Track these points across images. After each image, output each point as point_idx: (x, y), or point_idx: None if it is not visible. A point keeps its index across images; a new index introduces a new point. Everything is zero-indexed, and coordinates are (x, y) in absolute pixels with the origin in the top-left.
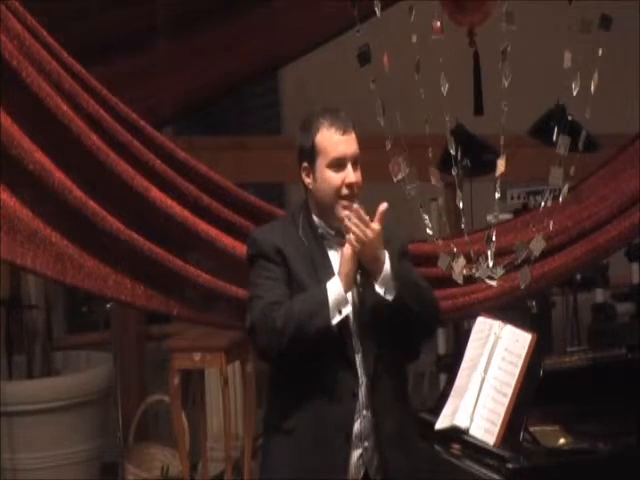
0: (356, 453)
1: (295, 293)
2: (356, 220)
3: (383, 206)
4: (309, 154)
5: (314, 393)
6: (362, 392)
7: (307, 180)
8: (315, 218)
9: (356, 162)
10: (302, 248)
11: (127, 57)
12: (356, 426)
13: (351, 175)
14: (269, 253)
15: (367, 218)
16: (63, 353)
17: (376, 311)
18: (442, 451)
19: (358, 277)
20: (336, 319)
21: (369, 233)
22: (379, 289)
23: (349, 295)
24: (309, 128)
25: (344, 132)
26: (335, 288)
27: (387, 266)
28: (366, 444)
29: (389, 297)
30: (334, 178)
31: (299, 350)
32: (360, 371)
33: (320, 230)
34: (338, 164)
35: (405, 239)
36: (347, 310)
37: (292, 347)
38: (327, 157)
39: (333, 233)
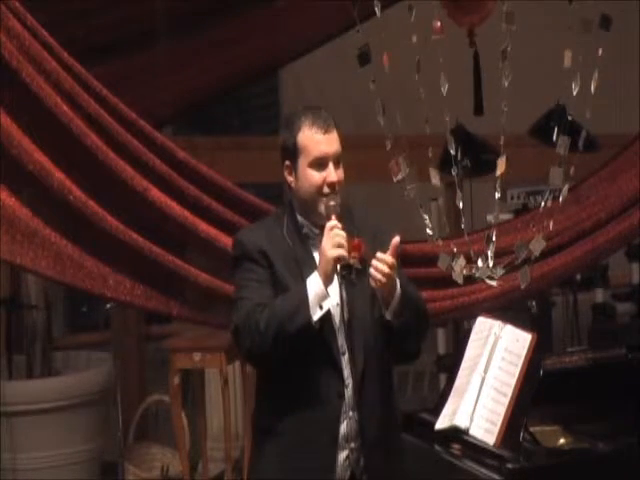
0: (343, 454)
1: (280, 294)
2: (380, 266)
3: (396, 240)
4: (291, 153)
5: (299, 394)
6: (348, 393)
7: (289, 178)
8: (299, 217)
9: (338, 160)
10: (286, 249)
11: (127, 57)
12: (342, 427)
13: (332, 174)
14: (253, 255)
15: (390, 260)
16: (63, 353)
17: (363, 313)
18: (442, 451)
19: (344, 277)
20: (317, 314)
21: (386, 269)
22: (389, 316)
23: (335, 292)
24: (291, 127)
25: (325, 131)
26: (315, 283)
27: (398, 293)
28: (352, 445)
29: (396, 322)
30: (315, 177)
31: (283, 350)
32: (346, 372)
33: (305, 230)
34: (319, 163)
35: (390, 235)
36: (328, 304)
37: (275, 347)
38: (309, 156)
39: (317, 232)
